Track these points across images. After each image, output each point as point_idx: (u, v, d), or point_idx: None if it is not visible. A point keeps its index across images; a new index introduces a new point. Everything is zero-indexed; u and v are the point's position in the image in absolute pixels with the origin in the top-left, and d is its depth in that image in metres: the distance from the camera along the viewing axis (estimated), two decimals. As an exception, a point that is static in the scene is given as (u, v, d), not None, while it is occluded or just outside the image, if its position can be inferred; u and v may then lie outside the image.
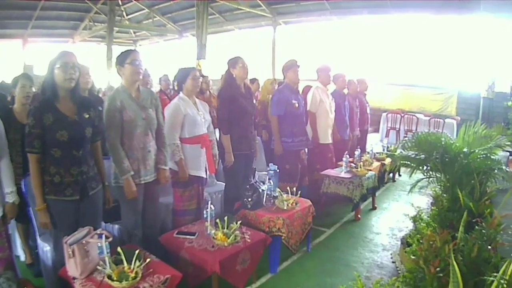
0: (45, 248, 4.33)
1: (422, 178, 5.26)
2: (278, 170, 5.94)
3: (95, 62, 17.82)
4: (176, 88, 5.58)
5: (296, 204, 5.48)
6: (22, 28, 21.56)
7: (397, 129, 15.51)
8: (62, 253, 3.58)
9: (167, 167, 4.77)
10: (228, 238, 4.34)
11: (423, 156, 5.08)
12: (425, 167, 5.21)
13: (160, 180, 4.70)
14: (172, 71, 5.60)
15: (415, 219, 5.54)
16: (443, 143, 4.99)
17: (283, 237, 5.09)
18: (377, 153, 9.24)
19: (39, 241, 4.46)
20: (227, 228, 4.51)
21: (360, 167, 7.47)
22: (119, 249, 3.58)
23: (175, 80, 5.53)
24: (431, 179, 5.27)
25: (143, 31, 26.14)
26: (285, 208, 5.33)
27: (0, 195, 3.90)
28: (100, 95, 7.58)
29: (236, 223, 4.58)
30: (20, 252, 5.35)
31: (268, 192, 5.55)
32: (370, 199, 8.08)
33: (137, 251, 3.54)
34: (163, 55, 27.31)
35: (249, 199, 5.34)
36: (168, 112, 5.15)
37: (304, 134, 7.00)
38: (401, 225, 7.07)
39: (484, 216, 4.35)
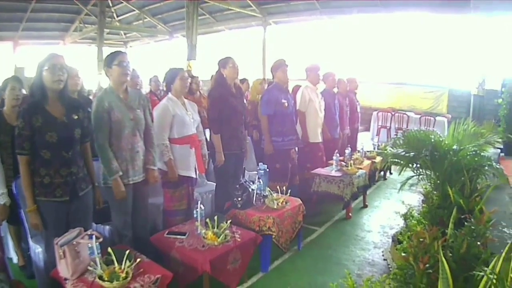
0: (37, 250, 4.34)
1: (412, 176, 5.29)
2: (268, 170, 5.94)
3: (85, 64, 17.86)
4: (165, 89, 5.59)
5: (286, 203, 5.49)
6: (13, 30, 21.58)
7: (388, 127, 15.54)
8: (53, 254, 3.59)
9: (156, 167, 4.78)
10: (218, 238, 4.34)
11: (412, 153, 5.08)
12: (414, 165, 5.23)
13: (149, 180, 4.70)
14: (162, 72, 5.60)
15: (406, 217, 5.54)
16: (432, 140, 5.02)
17: (273, 236, 5.10)
18: (367, 151, 9.26)
19: (31, 243, 4.47)
20: (217, 228, 4.52)
21: (351, 166, 7.48)
22: (109, 249, 3.59)
23: (164, 81, 5.54)
24: (421, 176, 5.30)
25: (134, 32, 26.15)
26: (275, 207, 5.34)
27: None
28: (91, 96, 7.58)
29: (226, 223, 4.59)
30: (12, 254, 5.35)
31: (258, 192, 5.55)
32: (361, 197, 8.13)
33: (127, 252, 3.55)
34: (154, 56, 27.32)
35: (239, 199, 5.35)
36: (157, 113, 5.16)
37: (294, 133, 7.01)
38: (392, 222, 7.09)
39: (474, 212, 4.36)
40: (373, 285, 3.33)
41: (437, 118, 14.78)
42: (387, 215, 7.56)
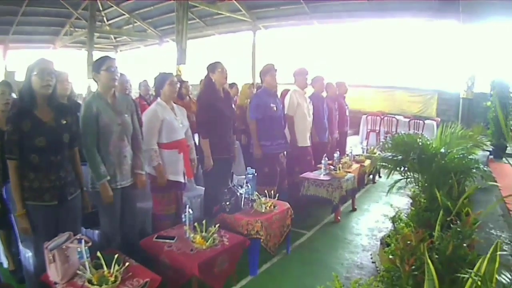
0: (27, 254, 4.34)
1: (400, 179, 5.31)
2: (256, 174, 5.95)
3: (76, 68, 17.80)
4: (154, 93, 5.61)
5: (274, 207, 5.53)
6: (3, 34, 21.55)
7: (377, 131, 15.57)
8: (43, 258, 3.60)
9: (143, 172, 4.81)
10: (207, 242, 4.38)
11: (400, 157, 5.12)
12: (402, 168, 5.26)
13: (137, 185, 4.73)
14: (152, 77, 5.61)
15: (394, 220, 5.58)
16: (419, 144, 5.05)
17: (261, 240, 5.13)
18: (356, 155, 9.28)
19: (21, 247, 4.47)
20: (205, 232, 4.55)
21: (339, 169, 7.52)
22: (98, 253, 3.62)
23: (153, 85, 5.55)
24: (409, 179, 5.32)
25: (124, 36, 26.08)
26: (263, 211, 5.37)
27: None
28: (81, 101, 7.57)
29: (215, 227, 4.62)
30: (3, 259, 5.34)
31: (246, 196, 5.57)
32: (350, 201, 8.16)
33: (116, 256, 3.57)
34: (144, 61, 27.27)
35: (227, 203, 5.37)
36: (146, 118, 5.19)
37: (282, 138, 7.04)
38: (381, 225, 7.13)
39: (464, 214, 4.40)
40: (361, 287, 3.36)
41: (426, 121, 14.80)
42: (376, 218, 7.61)
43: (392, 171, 5.28)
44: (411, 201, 6.23)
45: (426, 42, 16.94)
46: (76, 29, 23.52)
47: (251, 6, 19.45)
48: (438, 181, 4.94)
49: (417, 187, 5.46)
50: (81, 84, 14.72)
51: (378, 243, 5.97)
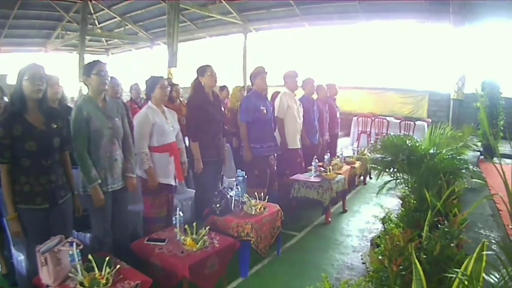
0: (19, 258, 4.37)
1: (390, 180, 5.33)
2: (246, 176, 5.99)
3: (67, 71, 17.80)
4: (145, 97, 5.63)
5: (264, 209, 5.55)
6: (-5, 37, 21.48)
7: (368, 132, 15.55)
8: (35, 261, 3.61)
9: (134, 175, 4.83)
10: (197, 244, 4.39)
11: (389, 158, 5.14)
12: (392, 169, 5.29)
13: (128, 188, 4.75)
14: (143, 80, 5.63)
15: (384, 221, 5.59)
16: (408, 145, 5.08)
17: (252, 242, 5.15)
18: (347, 156, 9.33)
19: (13, 250, 4.51)
20: (196, 234, 4.57)
21: (330, 171, 7.55)
22: (90, 256, 3.65)
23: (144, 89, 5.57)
24: (399, 180, 5.35)
25: (115, 39, 26.12)
26: (253, 213, 5.40)
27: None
28: (73, 104, 7.57)
29: (205, 229, 4.64)
30: (-5, 262, 5.35)
31: (236, 198, 5.60)
32: (341, 202, 8.20)
33: (107, 258, 3.61)
34: (135, 64, 27.26)
35: (218, 205, 5.40)
36: (137, 121, 5.21)
37: (272, 140, 7.05)
38: (372, 226, 7.17)
39: (452, 214, 4.43)
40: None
41: (417, 122, 14.78)
42: (366, 219, 7.63)
43: (382, 173, 5.30)
44: (401, 202, 6.28)
45: (417, 43, 17.05)
46: (68, 32, 23.53)
47: (242, 8, 19.51)
48: (427, 181, 4.96)
49: (406, 188, 5.48)
50: (72, 87, 14.71)
51: (369, 244, 5.98)
